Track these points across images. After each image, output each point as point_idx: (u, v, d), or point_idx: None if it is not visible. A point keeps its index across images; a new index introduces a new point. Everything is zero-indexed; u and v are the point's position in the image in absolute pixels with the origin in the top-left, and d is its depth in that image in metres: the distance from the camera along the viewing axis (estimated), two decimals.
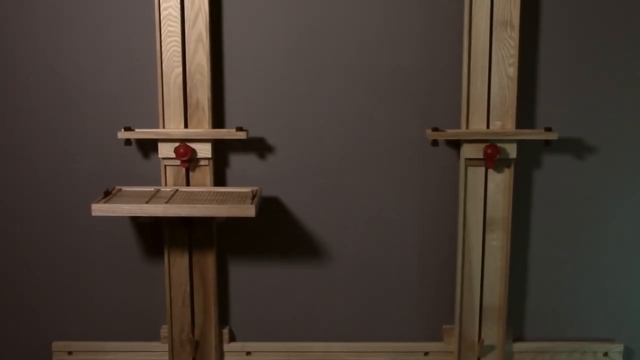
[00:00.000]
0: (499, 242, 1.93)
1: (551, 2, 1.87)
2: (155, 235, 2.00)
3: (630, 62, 1.90)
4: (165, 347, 2.01)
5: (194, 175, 1.91)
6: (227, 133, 1.87)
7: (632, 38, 1.89)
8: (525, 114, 1.91)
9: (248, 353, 2.05)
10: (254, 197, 1.80)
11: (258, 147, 1.95)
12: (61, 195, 1.98)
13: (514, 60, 1.82)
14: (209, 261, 1.95)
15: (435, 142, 1.89)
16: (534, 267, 2.01)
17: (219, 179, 1.96)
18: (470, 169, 1.89)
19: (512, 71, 1.83)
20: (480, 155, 1.86)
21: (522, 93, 1.89)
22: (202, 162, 1.90)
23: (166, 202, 1.74)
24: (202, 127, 1.88)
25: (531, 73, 1.90)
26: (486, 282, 1.95)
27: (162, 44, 1.84)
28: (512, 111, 1.85)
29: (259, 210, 1.86)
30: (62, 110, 1.93)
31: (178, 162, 1.88)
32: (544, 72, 1.90)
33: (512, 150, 1.86)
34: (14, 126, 1.95)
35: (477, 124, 1.86)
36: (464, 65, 1.83)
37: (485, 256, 1.94)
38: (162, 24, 1.83)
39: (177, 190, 1.87)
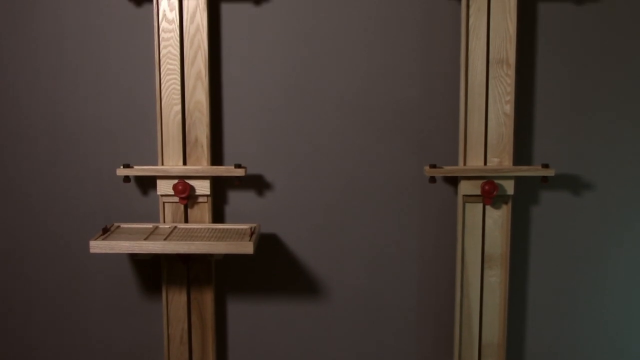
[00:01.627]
0: (497, 279, 1.92)
1: (547, 40, 1.89)
2: (153, 272, 1.99)
3: (626, 99, 1.92)
4: None
5: (193, 212, 1.91)
6: (226, 170, 1.88)
7: (627, 75, 1.90)
8: (522, 151, 1.93)
9: None
10: (252, 234, 1.80)
11: (256, 184, 1.96)
12: (60, 231, 1.98)
13: (510, 97, 1.84)
14: (207, 298, 1.94)
15: (432, 179, 1.90)
16: (532, 304, 2.01)
17: (218, 216, 1.96)
18: (468, 205, 1.90)
19: (509, 108, 1.84)
20: (478, 192, 1.86)
21: (519, 130, 1.91)
22: (200, 199, 1.90)
23: (164, 239, 1.74)
24: (201, 164, 1.89)
25: (528, 110, 1.92)
26: (485, 319, 1.94)
27: (162, 81, 1.86)
28: (509, 148, 1.86)
29: (258, 247, 1.86)
30: (61, 147, 1.94)
31: (177, 198, 1.88)
32: (541, 109, 1.92)
33: (509, 187, 1.87)
34: (13, 163, 1.95)
35: (475, 161, 1.87)
36: (461, 102, 1.85)
37: (483, 293, 1.93)
38: (161, 62, 1.85)
39: (175, 227, 1.87)
